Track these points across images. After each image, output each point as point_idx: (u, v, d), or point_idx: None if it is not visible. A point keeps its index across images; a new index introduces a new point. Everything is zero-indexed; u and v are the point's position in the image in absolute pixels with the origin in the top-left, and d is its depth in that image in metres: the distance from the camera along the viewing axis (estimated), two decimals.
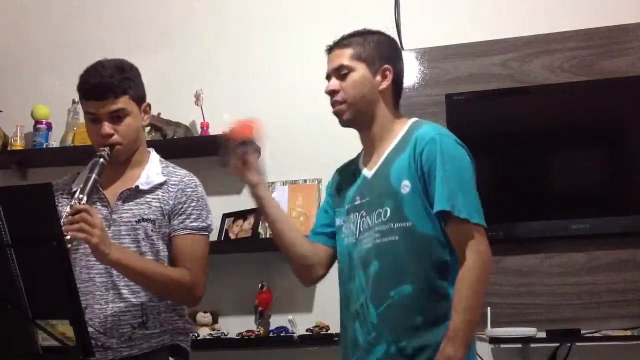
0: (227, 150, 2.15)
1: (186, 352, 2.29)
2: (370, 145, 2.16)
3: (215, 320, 3.49)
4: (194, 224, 2.27)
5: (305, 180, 3.54)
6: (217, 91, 3.66)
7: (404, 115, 2.18)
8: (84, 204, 2.07)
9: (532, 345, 3.21)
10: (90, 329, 2.10)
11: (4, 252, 1.78)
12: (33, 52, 3.94)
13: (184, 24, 3.84)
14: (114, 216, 2.23)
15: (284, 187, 3.54)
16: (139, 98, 2.30)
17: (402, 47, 3.57)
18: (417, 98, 3.46)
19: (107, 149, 2.21)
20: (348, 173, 2.22)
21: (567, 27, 3.42)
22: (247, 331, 3.39)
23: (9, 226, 1.77)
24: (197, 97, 3.57)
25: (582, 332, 3.13)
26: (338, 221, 2.18)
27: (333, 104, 2.14)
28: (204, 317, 3.46)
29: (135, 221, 2.23)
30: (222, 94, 3.68)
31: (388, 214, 2.01)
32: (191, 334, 2.39)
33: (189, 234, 2.26)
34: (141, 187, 2.27)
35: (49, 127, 3.72)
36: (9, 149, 3.73)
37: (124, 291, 2.19)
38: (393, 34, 3.54)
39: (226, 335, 3.41)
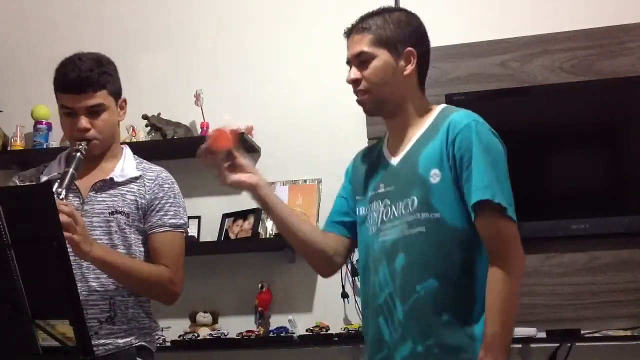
0: (211, 167, 2.01)
1: (152, 352, 2.27)
2: (396, 132, 2.02)
3: (215, 320, 3.49)
4: (172, 220, 2.25)
5: (305, 180, 3.54)
6: (217, 91, 3.66)
7: (429, 99, 2.07)
8: (62, 198, 2.03)
9: (532, 345, 3.21)
10: None
11: (4, 252, 1.78)
12: (33, 52, 3.94)
13: (184, 24, 3.84)
14: (86, 207, 2.20)
15: (284, 187, 3.54)
16: (116, 93, 2.27)
17: None
18: None
19: (84, 143, 2.18)
20: (370, 160, 2.09)
21: (567, 27, 3.42)
22: (247, 331, 3.39)
23: (9, 226, 1.76)
24: (197, 97, 3.57)
25: (582, 332, 3.13)
26: (362, 210, 2.04)
27: (356, 93, 2.00)
28: (204, 317, 3.46)
29: (109, 213, 2.20)
30: (222, 94, 3.68)
31: (415, 204, 1.88)
32: (156, 334, 2.36)
33: (167, 231, 2.24)
34: (116, 179, 2.24)
35: (49, 127, 3.72)
36: (9, 149, 3.73)
37: (93, 284, 2.16)
38: None
39: (226, 335, 3.40)
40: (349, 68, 2.02)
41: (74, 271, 2.11)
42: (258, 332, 3.37)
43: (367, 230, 2.01)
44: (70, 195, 2.19)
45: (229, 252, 3.56)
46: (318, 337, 3.31)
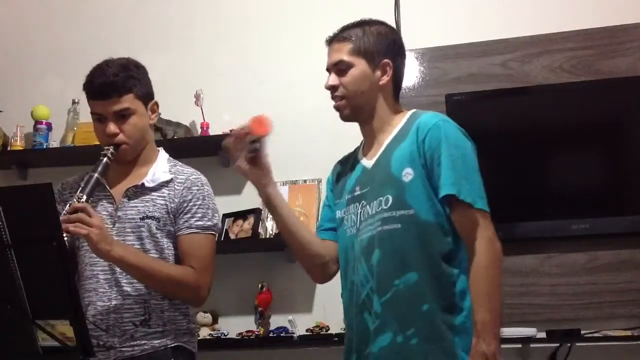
0: (235, 149, 2.09)
1: (191, 353, 2.28)
2: (370, 137, 2.14)
3: (215, 320, 3.49)
4: (199, 222, 2.25)
5: (305, 180, 3.54)
6: (217, 91, 3.66)
7: (402, 107, 2.17)
8: (83, 202, 2.06)
9: (532, 345, 3.21)
10: (92, 327, 2.11)
11: (4, 252, 1.78)
12: (33, 52, 3.94)
13: (184, 24, 3.84)
14: (119, 213, 2.23)
15: (284, 187, 3.54)
16: (145, 97, 2.28)
17: None
18: (417, 98, 3.46)
19: (111, 147, 2.21)
20: (346, 165, 2.21)
21: (567, 27, 3.42)
22: (247, 331, 3.39)
23: (9, 226, 1.77)
24: (197, 97, 3.57)
25: (582, 332, 3.13)
26: (338, 213, 2.15)
27: (333, 99, 2.13)
28: (204, 317, 3.46)
29: (140, 218, 2.22)
30: (222, 94, 3.68)
31: (390, 202, 1.98)
32: (197, 335, 2.38)
33: (194, 233, 2.24)
34: (147, 184, 2.26)
35: (49, 127, 3.72)
36: (9, 149, 3.73)
37: (126, 288, 2.19)
38: None
39: (226, 336, 3.40)
40: (328, 75, 2.13)
41: (107, 276, 2.19)
42: (258, 332, 3.37)
43: (345, 232, 2.11)
44: (105, 201, 2.25)
45: (229, 252, 3.55)
46: (318, 337, 3.31)
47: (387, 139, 2.09)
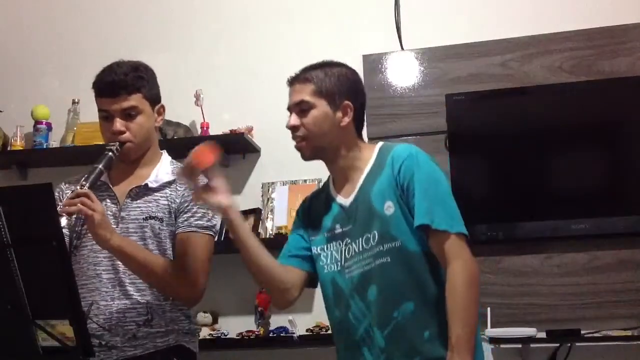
0: (190, 182, 2.06)
1: (192, 353, 2.29)
2: (340, 175, 2.16)
3: (215, 320, 3.49)
4: (199, 222, 2.27)
5: (305, 180, 3.54)
6: (217, 91, 3.66)
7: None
8: (86, 189, 2.08)
9: (532, 345, 3.21)
10: (94, 326, 2.12)
11: (4, 252, 1.78)
12: (33, 52, 3.95)
13: (184, 24, 3.85)
14: (123, 214, 2.24)
15: (284, 187, 3.54)
16: (153, 99, 2.30)
17: (402, 47, 3.58)
18: (417, 98, 3.46)
19: (117, 143, 2.22)
20: (320, 202, 2.21)
21: (567, 27, 3.42)
22: (247, 331, 3.39)
23: (9, 226, 1.77)
24: (197, 97, 3.57)
25: (582, 332, 3.13)
26: (314, 249, 2.16)
27: (294, 139, 2.14)
28: (204, 317, 3.46)
29: (143, 219, 2.23)
30: (222, 94, 3.68)
31: (376, 238, 2.01)
32: (197, 336, 2.39)
33: (193, 231, 2.26)
34: (150, 184, 2.27)
35: (49, 127, 3.73)
36: (9, 149, 3.73)
37: (129, 288, 2.20)
38: (393, 34, 3.59)
39: (226, 336, 3.41)
40: (289, 114, 2.13)
41: (110, 276, 2.20)
42: (258, 332, 3.37)
43: (323, 268, 2.13)
44: (108, 201, 2.26)
45: (229, 252, 3.51)
46: (318, 337, 3.30)
47: (361, 176, 2.10)
